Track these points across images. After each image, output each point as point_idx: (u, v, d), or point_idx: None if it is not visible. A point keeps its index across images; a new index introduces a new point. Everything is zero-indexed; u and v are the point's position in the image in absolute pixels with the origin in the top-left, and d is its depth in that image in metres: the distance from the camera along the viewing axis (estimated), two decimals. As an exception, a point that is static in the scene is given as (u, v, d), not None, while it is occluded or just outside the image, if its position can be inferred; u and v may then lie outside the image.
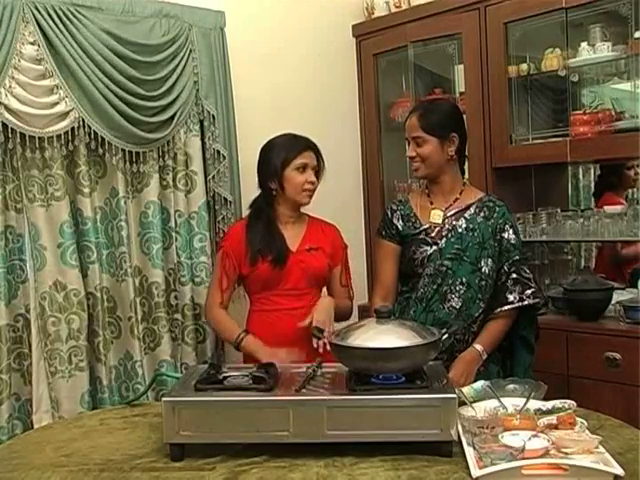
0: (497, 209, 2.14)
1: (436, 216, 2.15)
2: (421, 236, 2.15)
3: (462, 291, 2.08)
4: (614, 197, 3.01)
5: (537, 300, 2.10)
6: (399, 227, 2.20)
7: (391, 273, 2.23)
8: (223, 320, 2.31)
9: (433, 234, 2.14)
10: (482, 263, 2.08)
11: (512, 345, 2.17)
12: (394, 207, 2.25)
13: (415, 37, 3.04)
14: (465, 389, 1.77)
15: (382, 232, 2.25)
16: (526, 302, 2.08)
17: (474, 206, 2.14)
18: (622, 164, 3.03)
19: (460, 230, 2.11)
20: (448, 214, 2.15)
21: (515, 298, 2.08)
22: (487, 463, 1.37)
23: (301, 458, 1.49)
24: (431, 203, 2.18)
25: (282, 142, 2.31)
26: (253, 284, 2.32)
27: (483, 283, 2.08)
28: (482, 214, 2.13)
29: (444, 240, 2.11)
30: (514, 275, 2.09)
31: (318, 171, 2.34)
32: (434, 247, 2.12)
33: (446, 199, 2.17)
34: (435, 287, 2.11)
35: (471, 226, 2.11)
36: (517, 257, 2.11)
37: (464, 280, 2.08)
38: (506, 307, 2.08)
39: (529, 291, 2.09)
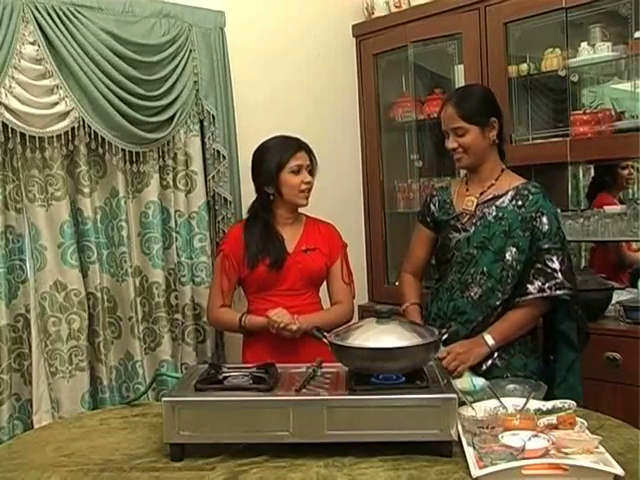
0: (531, 197, 2.07)
1: (469, 202, 2.13)
2: (453, 222, 2.15)
3: (482, 281, 2.05)
4: (608, 197, 3.00)
5: (559, 292, 2.00)
6: (435, 213, 2.22)
7: (421, 255, 2.28)
8: (223, 316, 2.37)
9: (464, 221, 2.13)
10: (507, 253, 2.04)
11: (555, 341, 2.11)
12: (434, 193, 2.28)
13: (415, 37, 3.04)
14: (465, 379, 1.78)
15: (419, 217, 2.30)
16: (546, 294, 2.00)
17: (509, 194, 2.09)
18: (616, 163, 3.02)
19: (489, 218, 2.08)
20: (481, 201, 2.12)
21: (535, 289, 2.00)
22: (487, 463, 1.37)
23: (301, 458, 1.49)
24: (467, 190, 2.17)
25: (274, 145, 2.32)
26: (251, 285, 2.35)
27: (505, 273, 2.03)
28: (514, 202, 2.07)
29: (473, 228, 2.10)
30: (538, 265, 2.01)
31: (312, 169, 2.35)
32: (463, 234, 2.11)
33: (482, 185, 2.14)
34: (459, 276, 2.09)
35: (500, 214, 2.07)
36: (546, 246, 2.01)
37: (485, 269, 2.05)
38: (524, 297, 2.02)
39: (552, 282, 1.99)
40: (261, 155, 2.34)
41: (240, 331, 2.36)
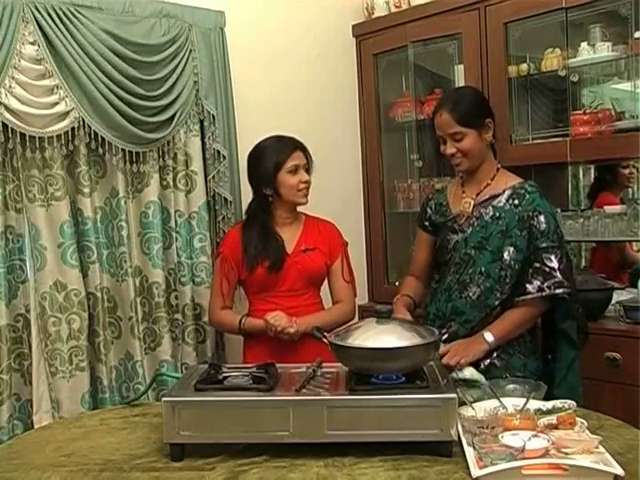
0: (527, 196, 2.06)
1: (466, 204, 2.13)
2: (450, 224, 2.15)
3: (480, 281, 2.05)
4: (610, 196, 3.00)
5: (559, 291, 1.99)
6: (432, 216, 2.23)
7: (423, 259, 2.29)
8: (223, 319, 2.37)
9: (461, 222, 2.13)
10: (504, 252, 2.03)
11: (555, 339, 2.11)
12: (430, 196, 2.29)
13: (415, 37, 3.04)
14: (470, 369, 1.79)
15: (418, 221, 2.31)
16: (545, 293, 1.99)
17: (505, 193, 2.09)
18: (617, 163, 3.02)
19: (486, 218, 2.08)
20: (478, 202, 2.11)
21: (534, 288, 2.00)
22: (487, 463, 1.37)
23: (301, 458, 1.49)
24: (463, 192, 2.17)
25: (269, 146, 2.32)
26: (251, 287, 2.35)
27: (503, 273, 2.03)
28: (511, 201, 2.07)
29: (470, 229, 2.10)
30: (536, 264, 2.01)
31: (308, 168, 2.35)
32: (460, 235, 2.11)
33: (478, 186, 2.14)
34: (458, 276, 2.09)
35: (497, 214, 2.07)
36: (544, 245, 2.01)
37: (483, 270, 2.05)
38: (523, 297, 2.01)
39: (551, 281, 1.99)
40: (257, 157, 2.34)
41: (240, 333, 2.36)
